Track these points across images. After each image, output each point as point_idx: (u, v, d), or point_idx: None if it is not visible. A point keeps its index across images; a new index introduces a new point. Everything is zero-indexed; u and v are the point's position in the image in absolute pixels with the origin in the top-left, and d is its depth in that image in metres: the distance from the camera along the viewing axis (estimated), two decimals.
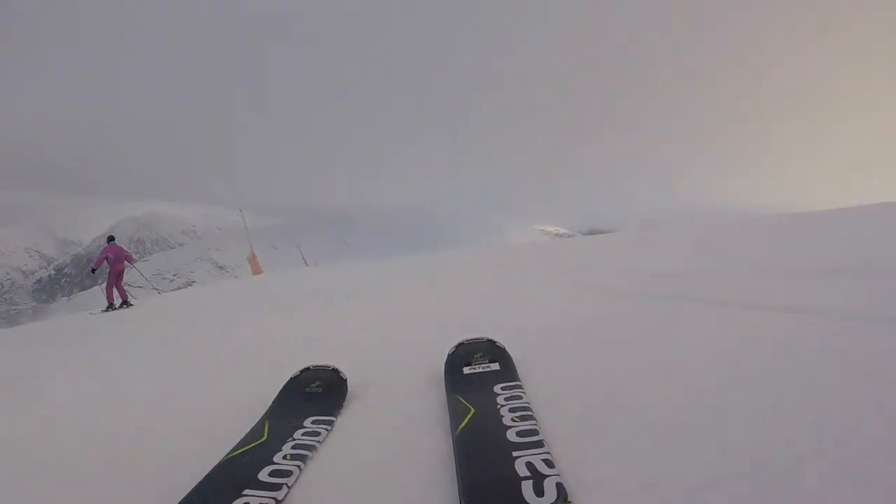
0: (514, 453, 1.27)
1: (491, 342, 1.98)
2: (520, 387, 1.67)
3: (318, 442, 1.59)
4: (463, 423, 1.46)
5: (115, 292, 8.97)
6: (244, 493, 1.27)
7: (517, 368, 1.86)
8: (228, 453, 1.52)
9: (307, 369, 2.07)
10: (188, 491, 1.32)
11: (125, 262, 9.17)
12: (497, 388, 1.66)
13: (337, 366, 2.06)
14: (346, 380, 2.01)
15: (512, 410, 1.49)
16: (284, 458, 1.46)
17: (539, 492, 1.12)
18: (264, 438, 1.61)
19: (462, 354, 1.93)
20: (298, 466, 1.43)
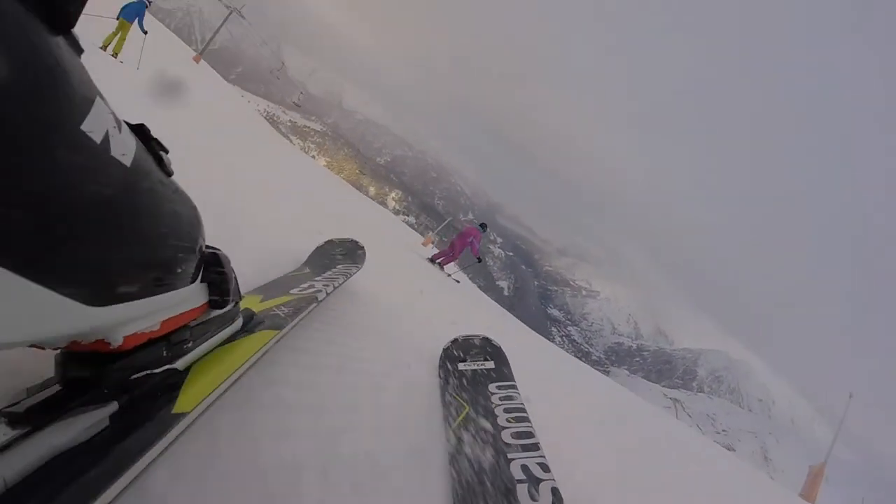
0: (510, 455, 1.28)
1: (487, 340, 1.98)
2: (514, 387, 1.69)
3: (351, 273, 1.98)
4: (457, 421, 1.47)
5: (445, 260, 8.88)
6: (309, 281, 1.66)
7: (512, 366, 1.87)
8: (281, 276, 1.79)
9: (331, 241, 2.43)
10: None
11: (471, 241, 8.78)
12: (492, 388, 1.68)
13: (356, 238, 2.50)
14: (363, 247, 2.40)
15: (507, 411, 1.51)
16: (330, 274, 1.87)
17: (534, 496, 1.15)
18: (308, 272, 1.94)
19: (458, 350, 1.93)
20: (344, 277, 1.84)
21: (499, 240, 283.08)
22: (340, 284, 1.77)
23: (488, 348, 1.95)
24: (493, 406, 1.56)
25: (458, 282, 8.48)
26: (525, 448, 1.32)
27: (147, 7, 9.00)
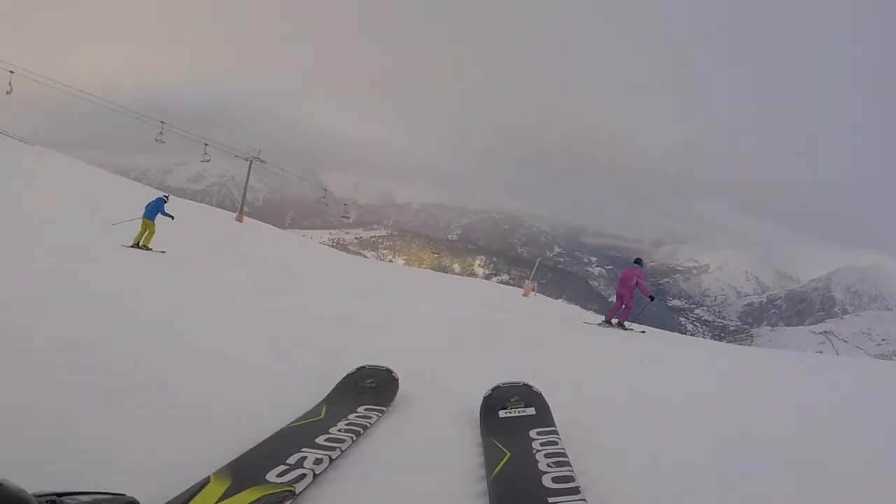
0: (550, 499, 1.29)
1: (527, 386, 2.01)
2: (555, 432, 1.69)
3: (370, 423, 1.80)
4: (498, 467, 1.50)
5: (618, 312, 7.95)
6: (302, 450, 1.49)
7: (553, 413, 1.86)
8: (288, 424, 1.75)
9: (363, 367, 2.24)
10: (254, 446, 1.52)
11: (636, 287, 7.95)
12: (533, 433, 1.69)
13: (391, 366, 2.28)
14: (397, 379, 2.20)
15: (548, 456, 1.52)
16: (339, 430, 1.68)
17: None
18: (321, 417, 1.81)
19: (498, 397, 1.97)
20: (351, 437, 1.63)
21: (593, 259, 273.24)
22: (345, 449, 1.56)
23: (529, 395, 1.96)
24: (535, 451, 1.56)
25: (643, 332, 8.15)
26: (566, 492, 1.32)
27: (165, 201, 10.46)
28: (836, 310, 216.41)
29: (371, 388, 2.12)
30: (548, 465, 1.47)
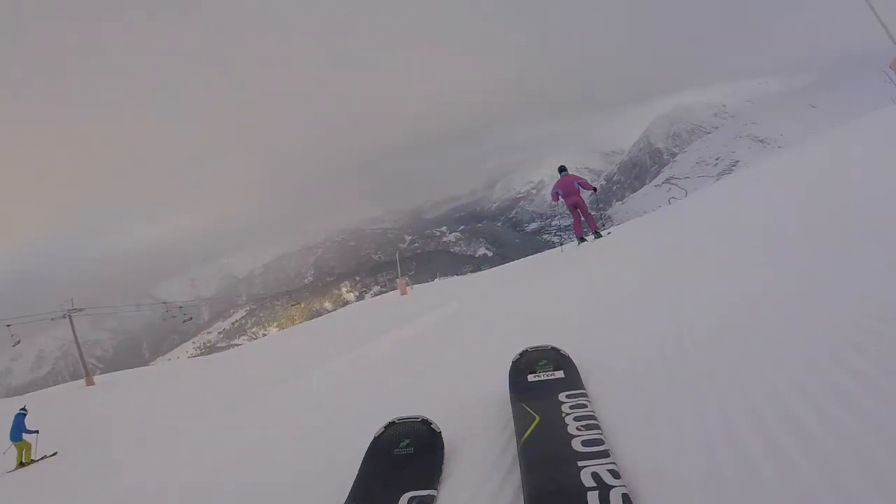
0: (580, 463, 1.29)
1: (555, 350, 1.99)
2: (585, 395, 1.68)
3: None
4: (528, 432, 1.51)
5: (585, 226, 7.86)
6: None
7: (581, 375, 1.85)
8: None
9: (392, 424, 1.75)
10: None
11: (580, 189, 7.89)
12: (562, 397, 1.68)
13: (427, 415, 1.75)
14: (440, 433, 1.69)
15: (577, 419, 1.51)
16: None
17: (605, 502, 1.14)
18: None
19: (526, 362, 1.96)
20: None
21: (443, 229, 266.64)
22: None
23: (557, 358, 1.95)
24: (564, 415, 1.56)
25: (609, 233, 8.22)
26: (596, 455, 1.31)
27: (24, 415, 9.73)
28: (665, 158, 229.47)
29: (408, 454, 1.64)
30: (577, 428, 1.46)
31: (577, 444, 1.38)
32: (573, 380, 1.80)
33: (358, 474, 1.60)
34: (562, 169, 8.28)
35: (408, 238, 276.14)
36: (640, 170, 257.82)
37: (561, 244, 13.46)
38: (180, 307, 29.54)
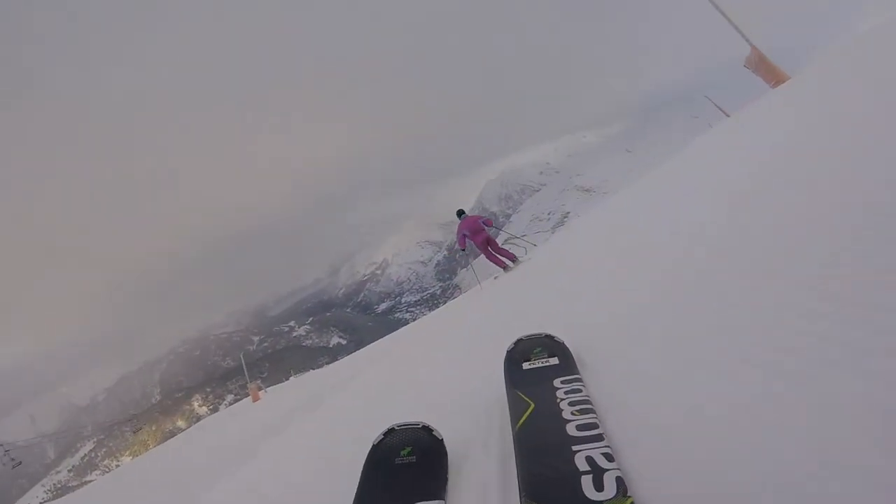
0: (574, 447, 1.28)
1: (549, 337, 1.98)
2: (579, 380, 1.66)
3: None
4: (523, 418, 1.50)
5: (502, 256, 8.15)
6: None
7: (576, 361, 1.84)
8: None
9: (392, 431, 1.70)
10: None
11: (485, 227, 8.27)
12: (556, 382, 1.67)
13: (427, 421, 1.70)
14: (442, 440, 1.65)
15: (572, 404, 1.50)
16: None
17: (599, 486, 1.13)
18: None
19: (521, 351, 1.95)
20: None
21: (291, 324, 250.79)
22: None
23: (552, 345, 1.94)
24: (559, 400, 1.56)
25: (525, 252, 8.47)
26: (590, 439, 1.30)
27: None
28: (501, 220, 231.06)
29: (410, 463, 1.59)
30: (572, 413, 1.45)
31: (571, 429, 1.37)
32: (568, 365, 1.79)
33: (359, 485, 1.54)
34: (460, 212, 8.66)
35: (255, 339, 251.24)
36: None
37: (412, 320, 12.92)
38: (7, 450, 25.87)
